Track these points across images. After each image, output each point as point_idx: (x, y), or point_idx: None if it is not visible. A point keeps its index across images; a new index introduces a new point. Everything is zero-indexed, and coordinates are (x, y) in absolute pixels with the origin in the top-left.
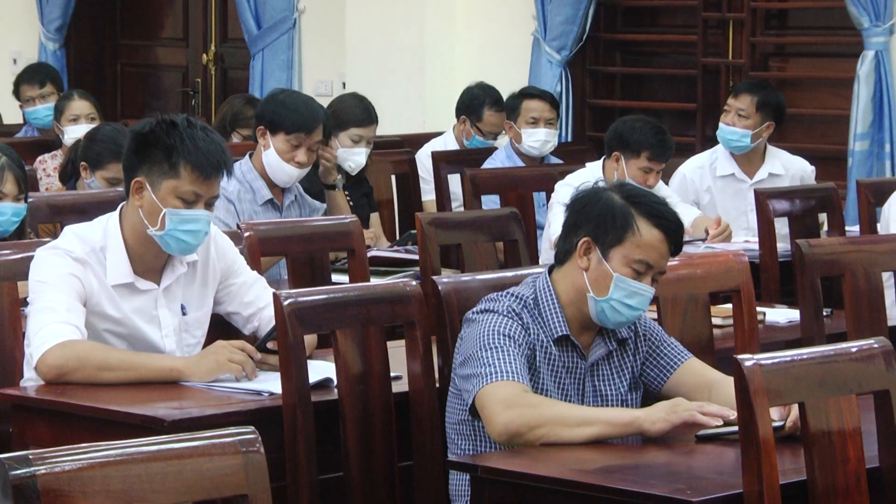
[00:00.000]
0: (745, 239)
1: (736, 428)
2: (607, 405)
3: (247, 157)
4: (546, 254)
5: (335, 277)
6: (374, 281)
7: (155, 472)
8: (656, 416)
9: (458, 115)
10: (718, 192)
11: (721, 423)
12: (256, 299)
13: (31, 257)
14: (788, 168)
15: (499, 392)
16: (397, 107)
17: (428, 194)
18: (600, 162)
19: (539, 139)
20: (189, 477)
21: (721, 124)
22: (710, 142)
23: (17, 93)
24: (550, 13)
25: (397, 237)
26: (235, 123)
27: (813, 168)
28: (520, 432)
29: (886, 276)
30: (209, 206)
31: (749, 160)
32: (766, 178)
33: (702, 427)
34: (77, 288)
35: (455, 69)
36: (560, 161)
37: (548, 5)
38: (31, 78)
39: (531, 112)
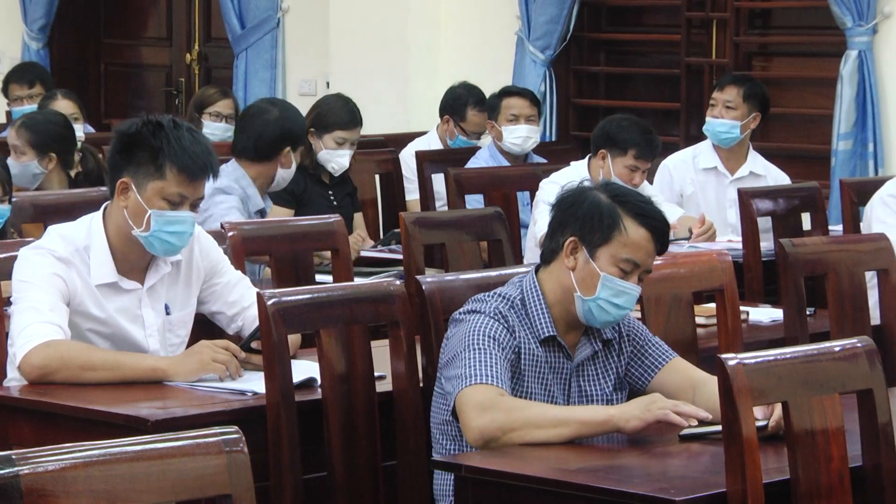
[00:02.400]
0: (729, 238)
1: (719, 427)
2: (592, 405)
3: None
4: (531, 253)
5: (319, 277)
6: (358, 281)
7: (138, 472)
8: (630, 414)
9: (441, 115)
10: (699, 185)
11: (696, 423)
12: (240, 299)
13: (15, 257)
14: (769, 171)
15: (475, 396)
16: (381, 106)
17: (412, 194)
18: (585, 161)
19: (520, 135)
20: (172, 477)
21: (708, 118)
22: (694, 141)
23: (5, 91)
24: (534, 13)
25: (381, 237)
26: (203, 105)
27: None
28: (494, 436)
29: (869, 276)
30: (194, 207)
31: (733, 155)
32: (747, 175)
33: (675, 426)
34: (60, 287)
35: (439, 69)
36: (544, 160)
37: (531, 5)
38: (20, 77)
39: (511, 109)
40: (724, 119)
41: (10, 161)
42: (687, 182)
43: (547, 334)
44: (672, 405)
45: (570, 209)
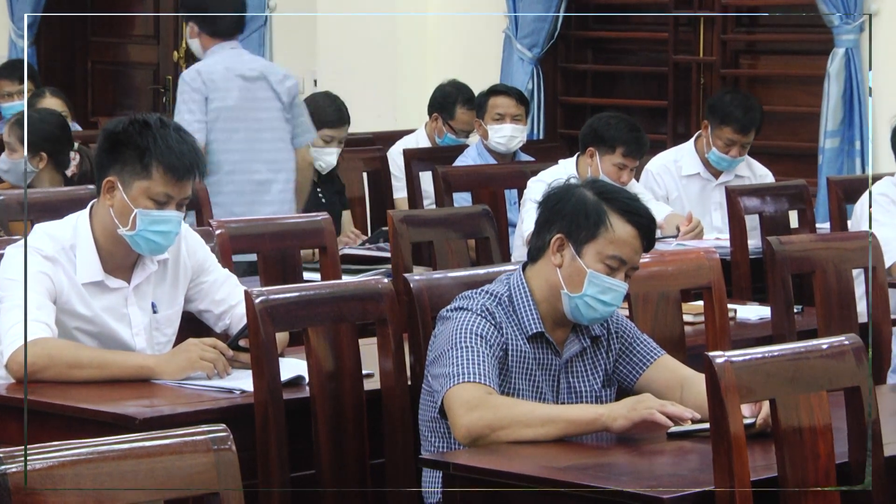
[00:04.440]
0: (716, 236)
1: (707, 425)
2: (581, 402)
3: None
4: (518, 251)
5: (307, 275)
6: (346, 279)
7: (126, 470)
8: (617, 413)
9: (430, 113)
10: (683, 189)
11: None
12: (228, 297)
13: (1, 255)
14: (752, 170)
15: (463, 394)
16: (369, 104)
17: (399, 192)
18: (573, 159)
19: (505, 135)
20: (160, 475)
21: (720, 153)
22: (681, 139)
23: None
24: (522, 10)
25: (369, 235)
26: None
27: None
28: (483, 434)
29: (857, 273)
30: (180, 206)
31: None
32: (732, 179)
33: (661, 426)
34: (47, 286)
35: (427, 66)
36: (531, 159)
37: (519, 3)
38: (10, 74)
39: (497, 108)
40: (739, 157)
41: (3, 157)
42: (671, 187)
43: (534, 331)
44: (659, 405)
45: (556, 206)
